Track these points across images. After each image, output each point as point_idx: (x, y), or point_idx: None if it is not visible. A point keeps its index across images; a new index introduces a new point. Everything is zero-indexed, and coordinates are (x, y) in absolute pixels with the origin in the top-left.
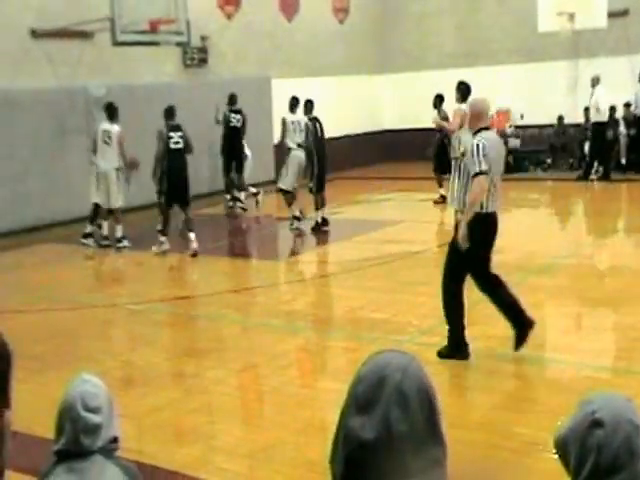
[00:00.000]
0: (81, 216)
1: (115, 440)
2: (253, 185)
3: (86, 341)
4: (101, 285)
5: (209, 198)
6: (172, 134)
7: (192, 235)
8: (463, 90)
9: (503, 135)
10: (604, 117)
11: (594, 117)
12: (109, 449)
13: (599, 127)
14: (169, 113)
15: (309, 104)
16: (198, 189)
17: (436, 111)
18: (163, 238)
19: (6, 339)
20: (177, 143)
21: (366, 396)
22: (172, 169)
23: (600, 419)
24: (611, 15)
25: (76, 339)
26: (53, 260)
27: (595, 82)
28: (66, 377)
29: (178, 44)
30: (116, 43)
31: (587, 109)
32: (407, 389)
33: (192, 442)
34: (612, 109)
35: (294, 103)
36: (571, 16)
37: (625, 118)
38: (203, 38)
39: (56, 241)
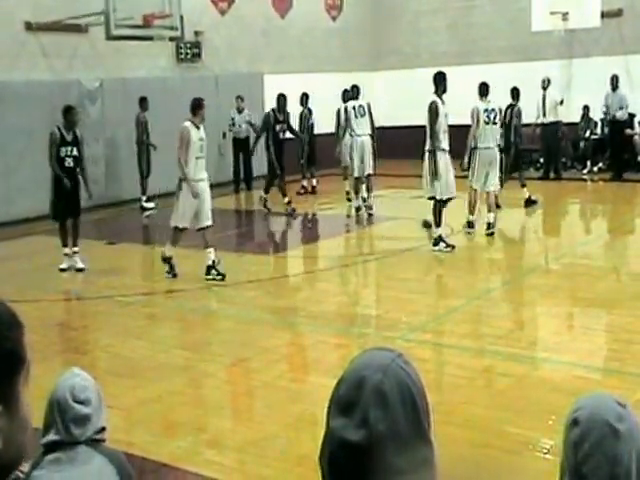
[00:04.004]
0: None
1: (103, 429)
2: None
3: (77, 332)
4: (93, 277)
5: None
6: None
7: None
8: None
9: None
10: (558, 117)
11: (550, 117)
12: (96, 439)
13: (554, 127)
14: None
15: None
16: None
17: (302, 108)
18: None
19: (19, 340)
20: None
21: (347, 397)
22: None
23: (577, 418)
24: (605, 15)
25: (67, 330)
26: (45, 252)
27: (547, 83)
28: (57, 368)
29: (172, 39)
30: (110, 37)
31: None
32: (387, 389)
33: (182, 435)
34: (585, 109)
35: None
36: (565, 15)
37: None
38: (196, 33)
39: (48, 233)
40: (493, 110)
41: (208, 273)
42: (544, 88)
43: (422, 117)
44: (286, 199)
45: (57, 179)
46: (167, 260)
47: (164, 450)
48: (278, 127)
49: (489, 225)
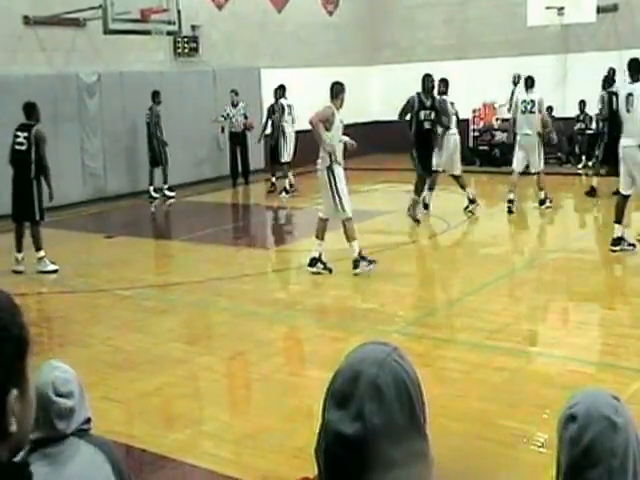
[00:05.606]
0: (72, 202)
1: (88, 421)
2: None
3: (76, 325)
4: (92, 270)
5: (195, 187)
6: (18, 133)
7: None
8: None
9: (490, 129)
10: None
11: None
12: (83, 429)
13: None
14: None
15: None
16: (186, 177)
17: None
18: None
19: (24, 324)
20: (21, 144)
21: (342, 390)
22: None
23: (574, 413)
24: (601, 10)
25: (67, 323)
26: (45, 245)
27: (517, 79)
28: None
29: (169, 33)
30: (108, 31)
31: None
32: (382, 383)
33: (180, 427)
34: (581, 104)
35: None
36: (560, 10)
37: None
38: (194, 27)
39: (46, 226)
40: (532, 101)
41: (356, 267)
42: (515, 83)
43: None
44: (418, 197)
45: (39, 179)
46: (317, 260)
47: (163, 442)
48: (423, 114)
49: (541, 201)
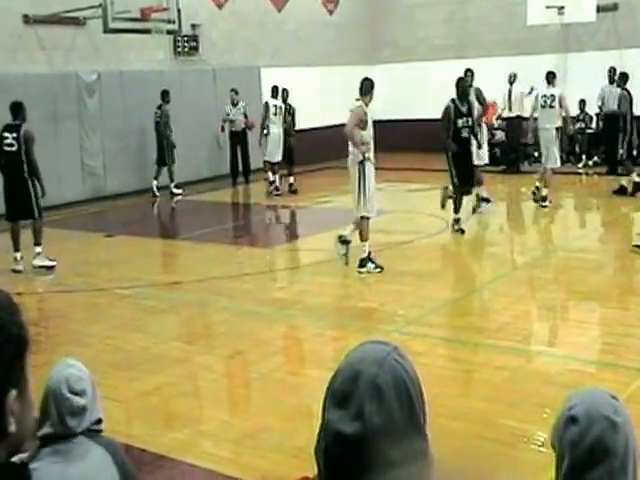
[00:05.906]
0: (71, 201)
1: (99, 421)
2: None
3: (76, 324)
4: (91, 269)
5: (195, 185)
6: (6, 134)
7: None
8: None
9: (491, 128)
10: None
11: (515, 111)
12: (94, 430)
13: (517, 121)
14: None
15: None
16: (186, 176)
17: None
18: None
19: (23, 323)
20: (11, 145)
21: (342, 390)
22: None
23: (575, 415)
24: (601, 9)
25: (66, 322)
26: (43, 243)
27: (513, 79)
28: (56, 360)
29: (169, 32)
30: (108, 30)
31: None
32: (382, 382)
33: (180, 427)
34: (581, 103)
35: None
36: (560, 9)
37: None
38: (194, 26)
39: (46, 225)
40: (552, 95)
41: (362, 266)
42: (510, 83)
43: (419, 111)
44: (457, 215)
45: (32, 177)
46: (347, 242)
47: (162, 442)
48: (460, 122)
49: (542, 199)
